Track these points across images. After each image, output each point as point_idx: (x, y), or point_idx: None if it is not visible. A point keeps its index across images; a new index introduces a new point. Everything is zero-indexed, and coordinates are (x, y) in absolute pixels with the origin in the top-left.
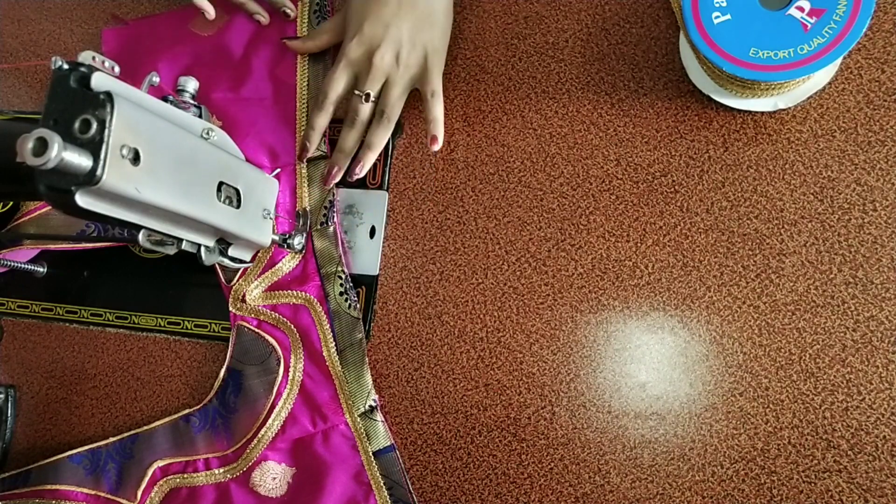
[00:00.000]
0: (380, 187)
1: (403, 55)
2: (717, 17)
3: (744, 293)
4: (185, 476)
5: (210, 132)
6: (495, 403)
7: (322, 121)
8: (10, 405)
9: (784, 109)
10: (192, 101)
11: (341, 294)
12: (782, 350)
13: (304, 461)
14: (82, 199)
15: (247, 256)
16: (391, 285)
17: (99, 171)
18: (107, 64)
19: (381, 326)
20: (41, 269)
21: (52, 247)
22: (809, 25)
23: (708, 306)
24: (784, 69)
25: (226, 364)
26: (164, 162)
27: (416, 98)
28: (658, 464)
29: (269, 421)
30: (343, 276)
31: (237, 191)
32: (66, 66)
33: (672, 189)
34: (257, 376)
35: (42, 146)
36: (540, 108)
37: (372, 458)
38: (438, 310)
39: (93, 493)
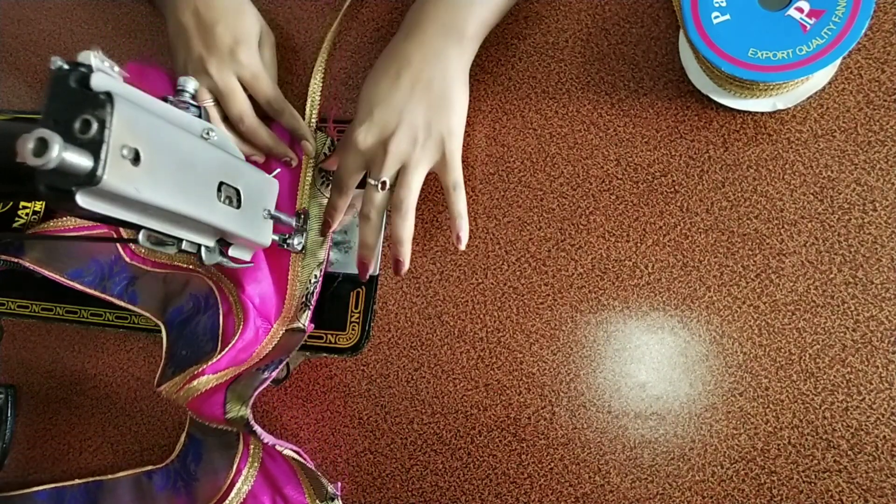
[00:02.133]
0: None
1: (420, 140)
2: (716, 17)
3: (744, 293)
4: None
5: (210, 132)
6: (495, 403)
7: (343, 202)
8: (10, 405)
9: (783, 110)
10: (191, 101)
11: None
12: (782, 350)
13: None
14: (82, 199)
15: (247, 256)
16: (391, 285)
17: (99, 172)
18: (107, 64)
19: (381, 326)
20: None
21: (45, 272)
22: (808, 26)
23: (708, 306)
24: (783, 70)
25: (186, 429)
26: (164, 162)
27: None
28: (658, 464)
29: (230, 497)
30: (247, 421)
31: (237, 191)
32: (65, 66)
33: (672, 189)
34: (218, 449)
35: (42, 146)
36: (540, 108)
37: None
38: (438, 310)
39: None
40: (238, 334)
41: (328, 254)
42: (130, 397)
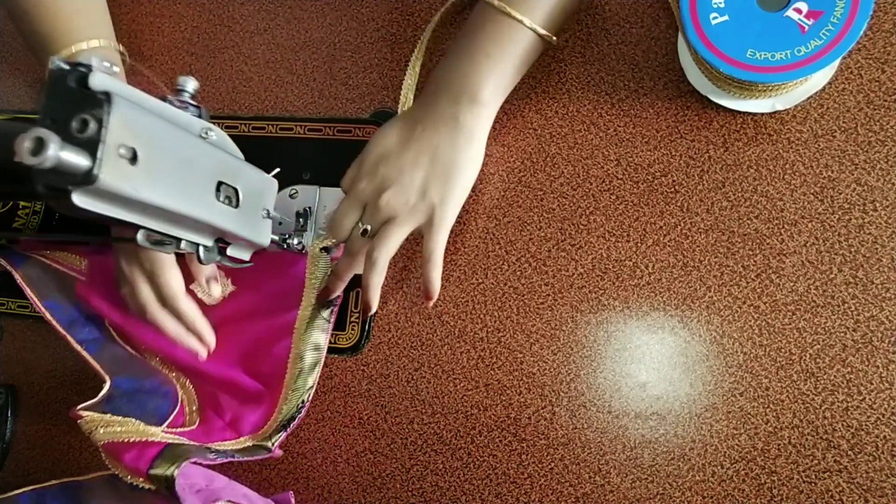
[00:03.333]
0: None
1: (411, 202)
2: (714, 17)
3: (744, 293)
4: None
5: (209, 132)
6: (495, 403)
7: (343, 266)
8: (10, 405)
9: (783, 110)
10: (191, 101)
11: (167, 489)
12: (782, 350)
13: None
14: (79, 199)
15: (246, 256)
16: (391, 285)
17: (96, 171)
18: (105, 64)
19: (381, 326)
20: None
21: (27, 291)
22: (807, 27)
23: (708, 306)
24: (781, 71)
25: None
26: (162, 161)
27: (419, 92)
28: (658, 464)
29: None
30: (171, 480)
31: (236, 190)
32: (64, 66)
33: (672, 189)
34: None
35: (39, 145)
36: (540, 108)
37: None
38: (438, 310)
39: None
40: (192, 429)
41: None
42: None
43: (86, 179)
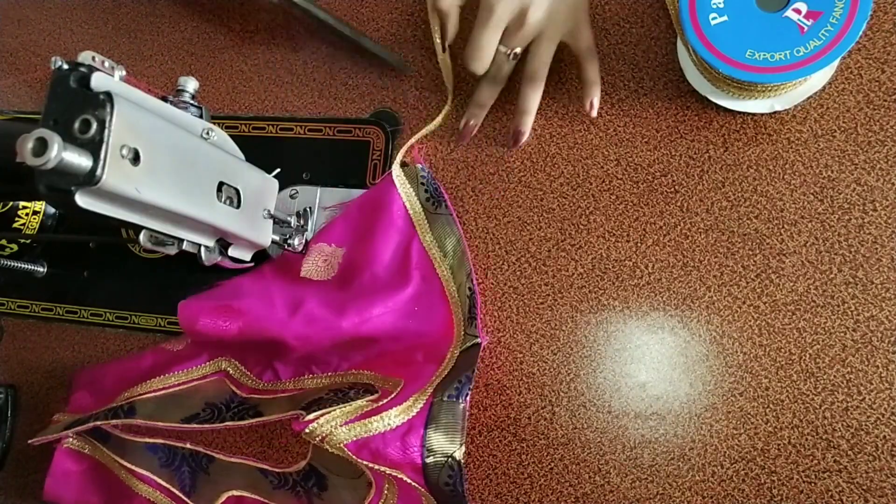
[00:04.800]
0: None
1: (554, 10)
2: (713, 18)
3: (744, 293)
4: None
5: (210, 132)
6: (495, 403)
7: (487, 94)
8: (10, 405)
9: (781, 111)
10: (191, 101)
11: (446, 485)
12: (782, 350)
13: None
14: (82, 200)
15: (247, 256)
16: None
17: (99, 172)
18: (107, 64)
19: None
20: (41, 269)
21: (160, 426)
22: (806, 28)
23: (708, 306)
24: (780, 71)
25: (308, 460)
26: (164, 162)
27: (419, 91)
28: (658, 464)
29: None
30: (455, 468)
31: (237, 191)
32: (66, 66)
33: (672, 189)
34: (346, 488)
35: (42, 146)
36: (540, 108)
37: None
38: None
39: (166, 485)
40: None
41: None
42: None
43: (88, 180)
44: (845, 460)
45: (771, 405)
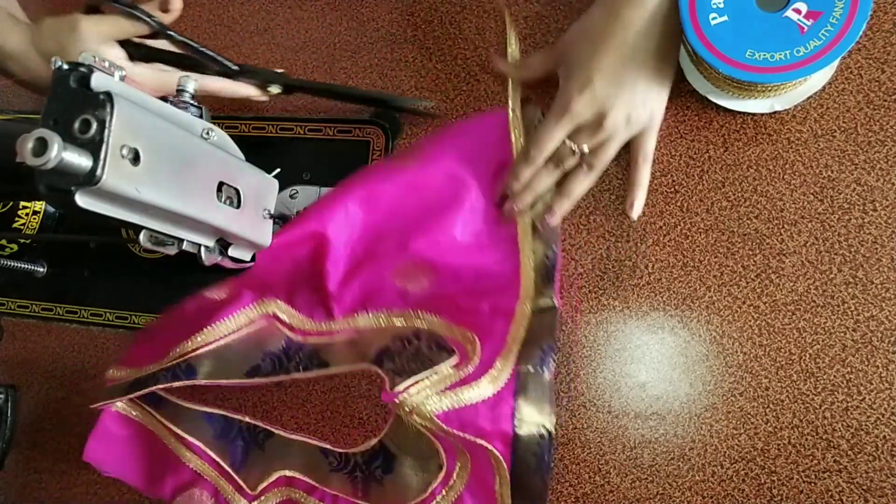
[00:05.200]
0: None
1: (633, 117)
2: (714, 18)
3: (744, 293)
4: (310, 499)
5: (210, 132)
6: None
7: (528, 173)
8: (10, 405)
9: (781, 111)
10: (191, 101)
11: (534, 455)
12: (782, 350)
13: None
14: (82, 200)
15: (246, 256)
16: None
17: (99, 172)
18: (107, 64)
19: None
20: (41, 269)
21: (223, 383)
22: (806, 28)
23: (708, 306)
24: (780, 71)
25: (379, 438)
26: (164, 162)
27: (419, 92)
28: (658, 464)
29: None
30: (547, 436)
31: (237, 191)
32: (66, 67)
33: (672, 189)
34: (413, 468)
35: (42, 146)
36: (540, 109)
37: None
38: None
39: (217, 458)
40: (477, 339)
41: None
42: None
43: (89, 180)
44: (845, 460)
45: (771, 405)
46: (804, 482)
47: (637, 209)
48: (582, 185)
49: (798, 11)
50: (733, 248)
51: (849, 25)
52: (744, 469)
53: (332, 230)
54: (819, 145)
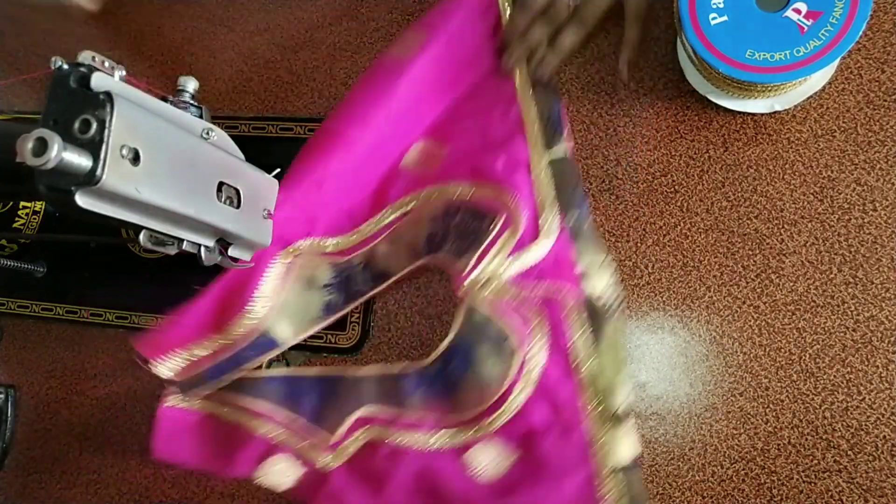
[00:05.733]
0: None
1: None
2: (713, 18)
3: (744, 293)
4: (391, 432)
5: (210, 132)
6: None
7: (522, 21)
8: (10, 405)
9: (781, 111)
10: (191, 101)
11: (602, 294)
12: (782, 350)
13: (531, 453)
14: (82, 200)
15: (247, 256)
16: (391, 284)
17: (99, 172)
18: (107, 64)
19: (381, 326)
20: (41, 269)
21: (311, 332)
22: (806, 28)
23: (708, 306)
24: (780, 71)
25: (451, 336)
26: (164, 162)
27: None
28: (658, 464)
29: (500, 409)
30: (606, 276)
31: (237, 191)
32: (66, 67)
33: (672, 189)
34: (489, 357)
35: (42, 146)
36: None
37: (609, 472)
38: (438, 310)
39: (289, 417)
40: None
41: None
42: (130, 397)
43: (88, 180)
44: (845, 460)
45: (771, 405)
46: (804, 482)
47: (625, 68)
48: (572, 39)
49: (798, 11)
50: (733, 248)
51: (849, 25)
52: (744, 469)
53: (334, 164)
54: (819, 145)
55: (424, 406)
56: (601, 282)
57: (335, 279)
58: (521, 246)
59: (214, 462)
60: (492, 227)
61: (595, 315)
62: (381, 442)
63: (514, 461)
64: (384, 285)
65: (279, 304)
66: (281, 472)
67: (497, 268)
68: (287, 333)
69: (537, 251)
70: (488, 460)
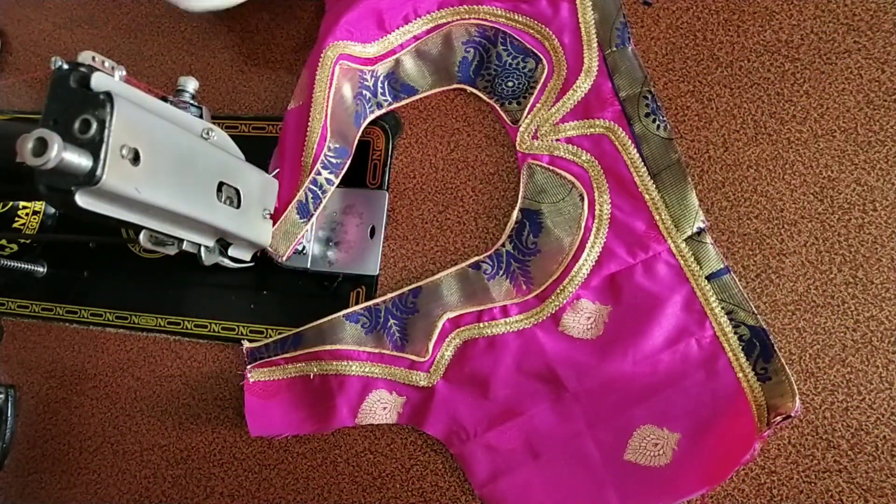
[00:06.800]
0: (380, 187)
1: None
2: None
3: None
4: (482, 326)
5: (210, 132)
6: None
7: None
8: (10, 405)
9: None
10: (191, 101)
11: (647, 115)
12: (782, 350)
13: (623, 297)
14: (82, 200)
15: (246, 256)
16: (391, 285)
17: (99, 172)
18: (107, 64)
19: None
20: (41, 269)
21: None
22: None
23: None
24: None
25: (518, 206)
26: (163, 162)
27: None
28: None
29: (582, 258)
30: (650, 97)
31: (237, 191)
32: (65, 67)
33: None
34: (559, 213)
35: (42, 146)
36: None
37: (704, 283)
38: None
39: (376, 351)
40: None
41: None
42: (130, 397)
43: (88, 180)
44: (845, 460)
45: None
46: (804, 482)
47: None
48: None
49: None
50: (733, 248)
51: None
52: (743, 469)
53: None
54: (819, 145)
55: (504, 292)
56: (644, 109)
57: (360, 89)
58: (566, 89)
59: (312, 422)
60: (537, 73)
61: (645, 141)
62: (473, 340)
63: (610, 312)
64: (408, 100)
65: (331, 118)
66: (382, 407)
67: (546, 114)
68: (335, 150)
69: (579, 91)
70: (585, 319)
